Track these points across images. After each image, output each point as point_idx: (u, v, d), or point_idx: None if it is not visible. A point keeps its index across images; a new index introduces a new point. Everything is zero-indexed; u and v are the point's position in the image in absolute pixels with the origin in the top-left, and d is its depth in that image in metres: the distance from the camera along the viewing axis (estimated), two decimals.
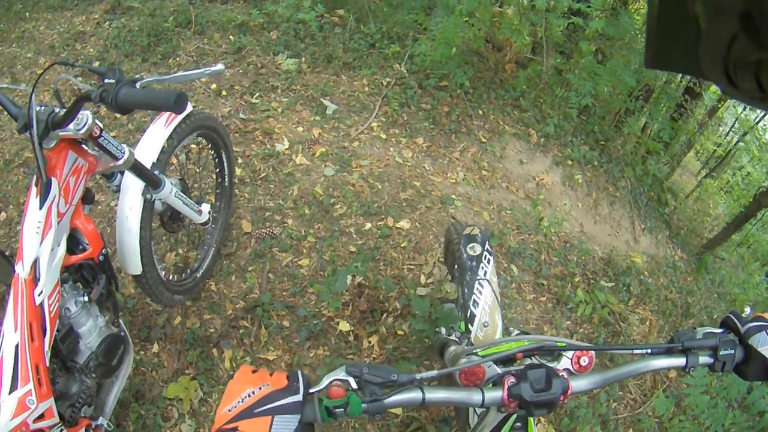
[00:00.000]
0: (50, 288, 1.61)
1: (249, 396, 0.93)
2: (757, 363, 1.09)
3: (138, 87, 1.58)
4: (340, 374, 0.98)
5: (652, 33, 0.51)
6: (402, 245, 3.20)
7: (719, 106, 9.07)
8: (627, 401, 3.18)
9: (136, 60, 4.17)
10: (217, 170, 2.87)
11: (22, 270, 1.57)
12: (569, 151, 4.66)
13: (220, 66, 1.95)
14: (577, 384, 1.06)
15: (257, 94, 3.97)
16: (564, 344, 1.12)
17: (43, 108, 1.60)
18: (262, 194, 3.32)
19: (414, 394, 1.01)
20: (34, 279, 1.58)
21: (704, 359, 1.11)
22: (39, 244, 1.59)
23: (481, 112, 4.40)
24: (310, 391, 0.97)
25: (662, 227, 5.70)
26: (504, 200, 3.97)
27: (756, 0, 0.35)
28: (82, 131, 1.64)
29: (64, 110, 1.59)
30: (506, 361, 1.12)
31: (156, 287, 2.29)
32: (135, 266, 2.13)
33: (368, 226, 3.24)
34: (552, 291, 3.51)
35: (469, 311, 1.96)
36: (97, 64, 4.14)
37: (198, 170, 2.98)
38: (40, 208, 1.59)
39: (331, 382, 0.97)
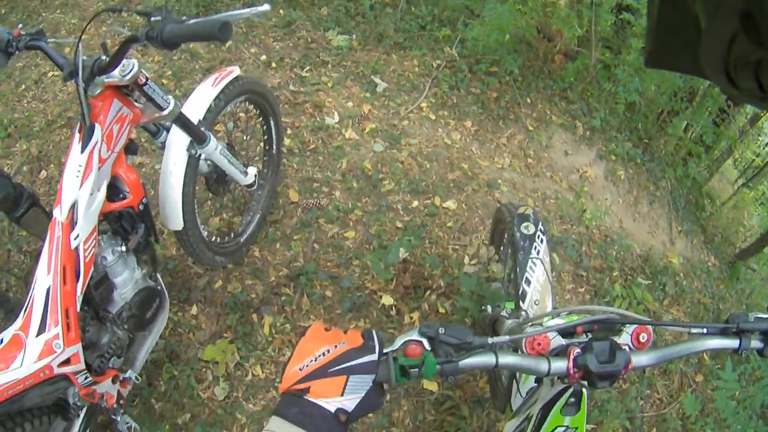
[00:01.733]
0: (87, 233, 1.61)
1: (324, 354, 0.90)
2: None
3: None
4: (414, 335, 0.97)
5: (652, 33, 0.51)
6: (448, 225, 3.19)
7: (761, 114, 8.89)
8: (654, 400, 3.16)
9: None
10: (265, 137, 2.88)
11: (59, 214, 1.57)
12: (613, 146, 4.60)
13: (266, 6, 1.78)
14: (638, 359, 1.08)
15: (307, 68, 3.96)
16: (625, 316, 1.13)
17: (89, 57, 1.60)
18: (311, 165, 3.32)
19: (488, 358, 1.01)
20: (71, 223, 1.58)
21: (755, 343, 1.12)
22: (78, 187, 1.59)
23: (529, 100, 4.36)
24: (384, 351, 0.96)
25: (698, 231, 5.62)
26: (548, 189, 3.93)
27: None
28: (128, 77, 1.63)
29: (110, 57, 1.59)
30: (566, 334, 1.12)
31: (197, 245, 2.30)
32: (176, 222, 2.13)
33: (415, 203, 3.23)
34: (590, 283, 3.48)
35: (521, 288, 1.94)
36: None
37: (246, 138, 2.98)
38: (82, 152, 1.60)
39: (406, 342, 0.95)
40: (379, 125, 3.65)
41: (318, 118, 3.58)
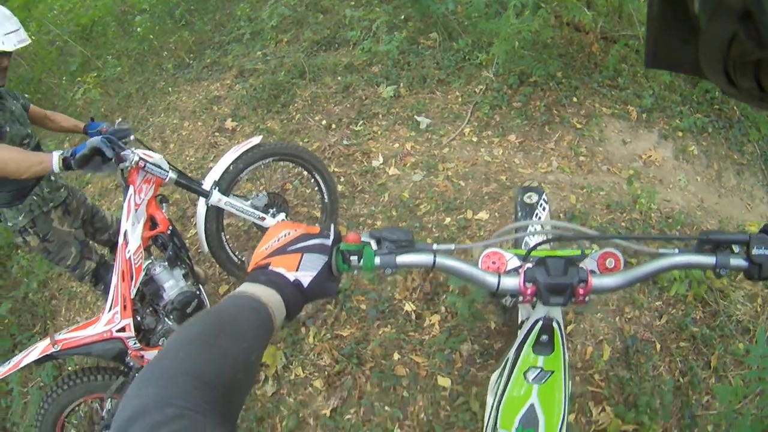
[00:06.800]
0: (134, 248, 2.56)
1: (284, 236, 1.01)
2: None
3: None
4: (364, 236, 1.07)
5: (653, 33, 0.52)
6: (479, 234, 3.42)
7: None
8: None
9: (259, 112, 4.98)
10: (316, 189, 3.52)
11: (120, 238, 2.56)
12: (677, 122, 4.44)
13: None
14: (600, 281, 1.05)
15: (360, 123, 4.52)
16: (580, 232, 1.16)
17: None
18: (359, 204, 3.83)
19: (426, 257, 1.07)
20: (126, 243, 2.55)
21: (737, 261, 1.04)
22: (125, 221, 2.56)
23: (575, 98, 4.43)
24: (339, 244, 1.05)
25: None
26: (602, 183, 3.95)
27: None
28: (131, 164, 2.53)
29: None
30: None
31: (225, 264, 3.20)
32: (203, 246, 3.09)
33: (448, 220, 3.54)
34: None
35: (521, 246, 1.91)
36: (229, 120, 5.02)
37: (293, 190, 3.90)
38: (124, 201, 2.58)
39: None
40: (420, 158, 4.05)
41: (366, 163, 4.08)
